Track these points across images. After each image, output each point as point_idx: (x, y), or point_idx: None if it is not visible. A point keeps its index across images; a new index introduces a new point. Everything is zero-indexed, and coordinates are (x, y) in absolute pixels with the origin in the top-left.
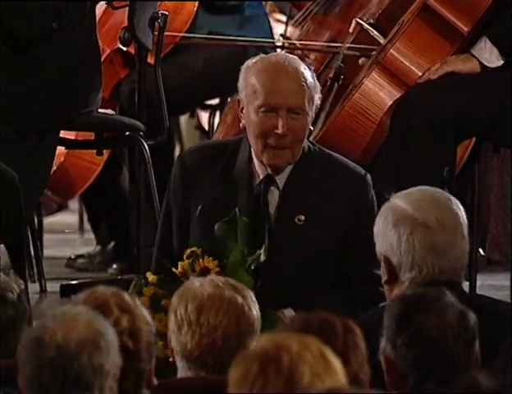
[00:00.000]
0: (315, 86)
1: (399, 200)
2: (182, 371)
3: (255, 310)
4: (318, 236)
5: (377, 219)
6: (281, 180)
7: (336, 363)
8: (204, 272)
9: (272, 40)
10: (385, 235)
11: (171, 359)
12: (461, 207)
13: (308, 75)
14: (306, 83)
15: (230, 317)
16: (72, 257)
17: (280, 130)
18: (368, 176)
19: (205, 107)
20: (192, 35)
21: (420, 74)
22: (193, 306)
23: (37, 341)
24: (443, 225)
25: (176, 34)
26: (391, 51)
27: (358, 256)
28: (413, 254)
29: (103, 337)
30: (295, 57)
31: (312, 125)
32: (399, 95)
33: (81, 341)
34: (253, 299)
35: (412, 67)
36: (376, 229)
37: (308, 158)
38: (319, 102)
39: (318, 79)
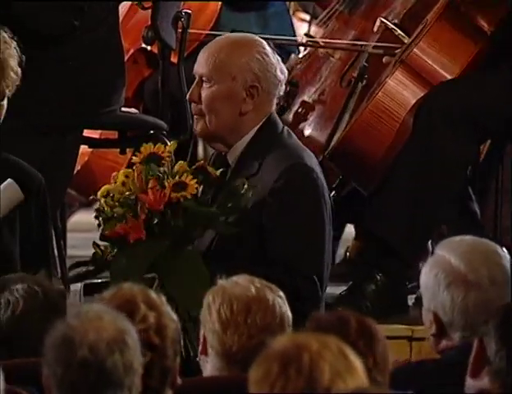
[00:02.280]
0: (235, 61)
1: (449, 255)
2: (215, 371)
3: (289, 310)
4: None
5: (425, 271)
6: (231, 159)
7: (357, 361)
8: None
9: (294, 38)
10: (435, 294)
11: (198, 359)
12: (507, 256)
13: (228, 48)
14: (219, 54)
15: (275, 317)
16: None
17: (187, 95)
18: (298, 165)
19: None
20: (216, 32)
21: (444, 73)
22: (239, 307)
23: (66, 341)
24: (495, 282)
25: (200, 31)
26: (415, 50)
27: (271, 241)
28: (467, 316)
29: (130, 335)
30: (248, 36)
31: (336, 125)
32: (422, 94)
33: (112, 339)
34: (285, 299)
35: (436, 67)
36: (424, 282)
37: (261, 141)
38: (251, 81)
39: (342, 78)
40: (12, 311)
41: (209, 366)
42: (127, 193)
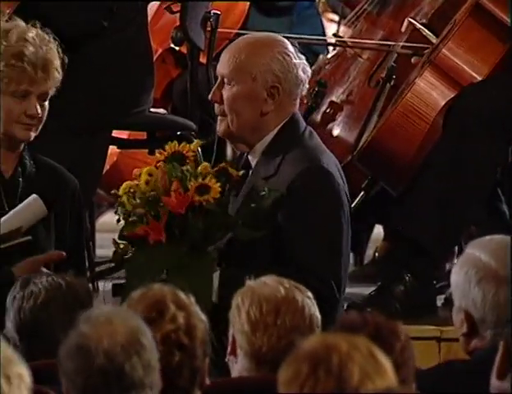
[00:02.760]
0: (255, 61)
1: (479, 252)
2: (243, 371)
3: (317, 311)
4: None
5: (456, 270)
6: (253, 159)
7: (386, 362)
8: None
9: (323, 38)
10: (467, 292)
11: (227, 359)
12: None
13: (249, 48)
14: (240, 54)
15: (304, 318)
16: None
17: (209, 96)
18: (315, 168)
19: None
20: (244, 32)
21: (472, 73)
22: (269, 308)
23: (81, 351)
24: None
25: (229, 30)
26: (444, 50)
27: (287, 243)
28: (498, 312)
29: (143, 334)
30: (270, 35)
31: (364, 126)
32: (451, 95)
33: (127, 342)
34: (314, 300)
35: (464, 67)
36: (454, 280)
37: (282, 141)
38: (271, 80)
39: (371, 79)
40: (35, 300)
41: (238, 367)
42: (151, 193)
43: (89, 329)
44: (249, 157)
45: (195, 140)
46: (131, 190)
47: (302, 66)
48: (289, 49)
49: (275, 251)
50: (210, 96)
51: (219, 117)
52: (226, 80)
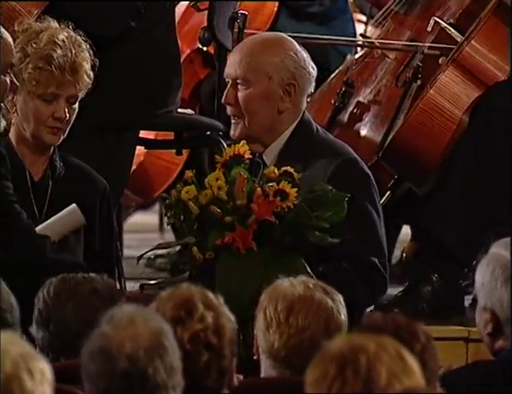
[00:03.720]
0: (269, 61)
1: (505, 252)
2: (267, 370)
3: (343, 314)
4: None
5: (481, 269)
6: (268, 158)
7: (414, 363)
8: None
9: (350, 38)
10: (492, 291)
11: (255, 357)
12: None
13: (260, 48)
14: (252, 55)
15: (319, 319)
16: (152, 257)
17: (222, 99)
18: (351, 160)
19: None
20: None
21: (496, 71)
22: (283, 306)
23: (104, 354)
24: None
25: (257, 31)
26: (467, 48)
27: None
28: None
29: (165, 336)
30: (277, 34)
31: (391, 125)
32: (475, 93)
33: (149, 345)
34: (343, 303)
35: (488, 65)
36: (480, 279)
37: (300, 139)
38: (287, 79)
39: (398, 79)
40: (48, 288)
41: (262, 365)
42: (238, 201)
43: (112, 331)
44: (264, 156)
45: (242, 142)
46: (194, 195)
47: (311, 64)
48: (298, 46)
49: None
50: (223, 99)
51: (233, 120)
52: (239, 81)
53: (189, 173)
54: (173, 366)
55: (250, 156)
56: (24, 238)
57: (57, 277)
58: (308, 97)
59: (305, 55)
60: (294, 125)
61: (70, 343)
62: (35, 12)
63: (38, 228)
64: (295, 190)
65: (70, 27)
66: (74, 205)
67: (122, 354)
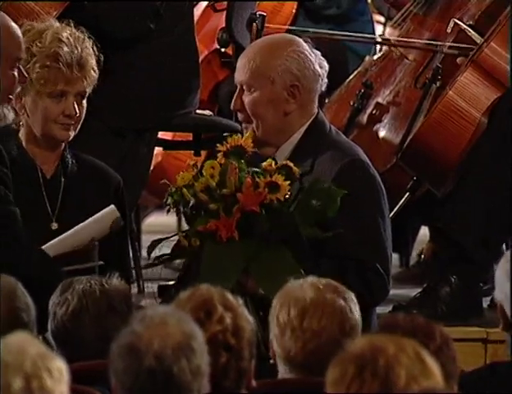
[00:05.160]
0: (271, 64)
1: None
2: (284, 375)
3: (356, 312)
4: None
5: (499, 266)
6: (280, 159)
7: (433, 365)
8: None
9: (369, 36)
10: (502, 285)
11: (272, 361)
12: None
13: (262, 52)
14: (255, 59)
15: (333, 321)
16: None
17: (231, 105)
18: (357, 161)
19: None
20: (293, 28)
21: None
22: (295, 311)
23: (132, 351)
24: None
25: (275, 30)
26: (486, 50)
27: (337, 236)
28: None
29: (195, 338)
30: (281, 36)
31: (410, 127)
32: (494, 95)
33: (177, 345)
34: (354, 300)
35: (507, 66)
36: (496, 276)
37: (311, 139)
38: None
39: (417, 80)
40: (66, 308)
41: (279, 369)
42: (225, 190)
43: (142, 329)
44: (276, 157)
45: (248, 132)
46: (190, 182)
47: (318, 61)
48: (303, 46)
49: (317, 245)
50: (232, 105)
51: (243, 125)
52: (245, 86)
53: (191, 161)
54: (200, 369)
55: (253, 149)
56: (12, 244)
57: (72, 290)
58: (324, 97)
59: (310, 54)
60: (307, 125)
61: (82, 359)
62: (54, 13)
63: (74, 228)
64: (288, 182)
65: (72, 24)
66: (112, 206)
67: (149, 351)
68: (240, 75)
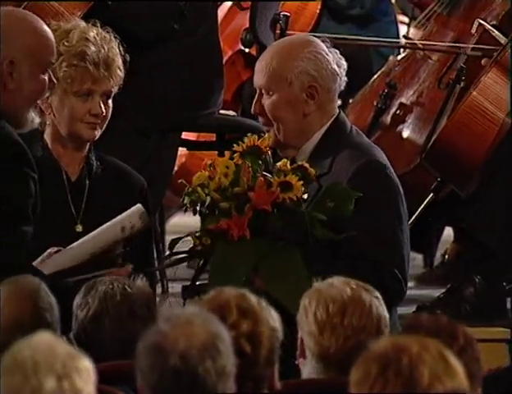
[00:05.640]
0: (287, 66)
1: None
2: (313, 373)
3: (386, 311)
4: None
5: None
6: (300, 159)
7: (457, 365)
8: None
9: (393, 40)
10: None
11: (297, 362)
12: None
13: (278, 54)
14: (271, 62)
15: (372, 319)
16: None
17: (251, 109)
18: (374, 162)
19: None
20: (317, 34)
21: None
22: (335, 308)
23: (158, 350)
24: None
25: (298, 32)
26: (510, 50)
27: (351, 237)
28: None
29: (221, 339)
30: (297, 37)
31: (434, 127)
32: None
33: (203, 346)
34: (381, 299)
35: None
36: None
37: (331, 139)
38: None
39: (441, 80)
40: (87, 311)
41: (307, 369)
42: (237, 188)
43: (168, 328)
44: (296, 157)
45: (267, 134)
46: (205, 182)
47: (336, 61)
48: (319, 46)
49: (332, 247)
50: (252, 109)
51: (266, 129)
52: (263, 90)
53: (208, 161)
54: (225, 371)
55: (270, 150)
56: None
57: (94, 292)
58: (348, 98)
59: (327, 54)
60: (327, 125)
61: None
62: (79, 14)
63: (102, 227)
64: (301, 183)
65: (98, 24)
66: (139, 205)
67: (175, 351)
68: (259, 79)
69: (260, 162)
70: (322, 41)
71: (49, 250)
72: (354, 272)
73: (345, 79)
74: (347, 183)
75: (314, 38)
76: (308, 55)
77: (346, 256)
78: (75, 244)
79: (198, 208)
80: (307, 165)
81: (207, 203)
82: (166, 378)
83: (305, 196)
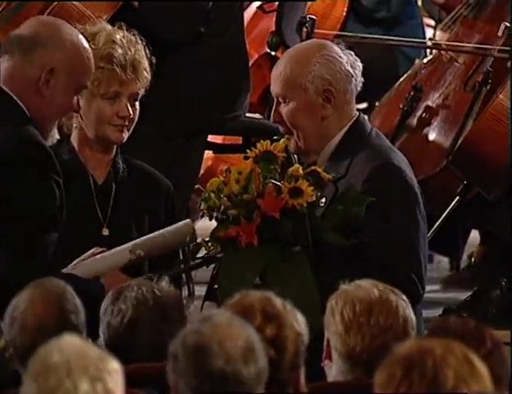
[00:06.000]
0: (301, 72)
1: None
2: (340, 375)
3: (412, 313)
4: None
5: None
6: (320, 162)
7: (482, 367)
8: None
9: (419, 40)
10: None
11: (322, 364)
12: None
13: (291, 61)
14: (285, 70)
15: (398, 319)
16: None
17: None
18: (389, 165)
19: None
20: (343, 34)
21: None
22: (362, 307)
23: (202, 350)
24: None
25: (326, 33)
26: None
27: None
28: None
29: (258, 342)
30: (309, 42)
31: (460, 130)
32: None
33: (246, 348)
34: (409, 303)
35: None
36: None
37: (350, 141)
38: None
39: (467, 83)
40: (122, 319)
41: (334, 370)
42: (245, 195)
43: (210, 329)
44: (317, 162)
45: (282, 139)
46: (220, 187)
47: (350, 62)
48: (332, 49)
49: (350, 249)
50: (271, 119)
51: (286, 137)
52: (280, 98)
53: (224, 167)
54: (261, 374)
55: (284, 155)
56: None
57: (124, 298)
58: (374, 102)
59: (340, 56)
60: (347, 127)
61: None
62: (105, 17)
63: (145, 237)
64: (311, 188)
65: (124, 27)
66: (188, 220)
67: (221, 352)
68: (275, 88)
69: (274, 166)
70: (337, 44)
71: (92, 250)
72: (368, 276)
73: (361, 79)
74: (362, 185)
75: (326, 41)
76: (320, 59)
77: (360, 260)
78: (118, 248)
79: (214, 213)
80: (320, 170)
81: (222, 209)
82: (210, 380)
83: (323, 200)
